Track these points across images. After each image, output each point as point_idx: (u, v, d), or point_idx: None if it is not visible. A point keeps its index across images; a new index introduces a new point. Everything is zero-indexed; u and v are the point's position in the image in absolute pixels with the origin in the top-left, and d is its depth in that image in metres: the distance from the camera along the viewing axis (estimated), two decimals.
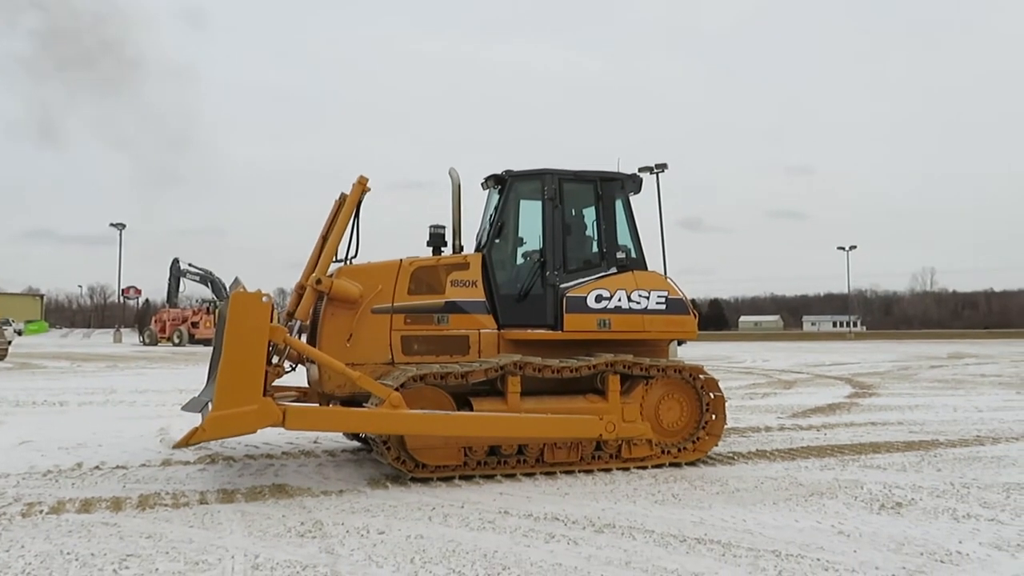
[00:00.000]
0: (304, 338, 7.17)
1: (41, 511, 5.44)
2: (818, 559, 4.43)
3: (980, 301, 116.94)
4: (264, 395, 6.05)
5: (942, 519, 5.32)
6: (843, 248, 72.23)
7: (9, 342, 28.34)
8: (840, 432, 9.49)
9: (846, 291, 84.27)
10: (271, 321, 6.20)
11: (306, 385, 7.57)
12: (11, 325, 50.39)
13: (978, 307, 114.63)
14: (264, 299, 6.06)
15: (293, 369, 7.15)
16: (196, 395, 7.53)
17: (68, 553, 4.47)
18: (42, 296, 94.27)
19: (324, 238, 7.38)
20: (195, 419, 7.47)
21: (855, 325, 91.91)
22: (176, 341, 43.73)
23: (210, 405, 6.02)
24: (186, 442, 5.82)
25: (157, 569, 4.20)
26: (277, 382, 6.89)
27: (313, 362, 6.95)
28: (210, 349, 8.04)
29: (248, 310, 5.99)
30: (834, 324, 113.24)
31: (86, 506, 5.59)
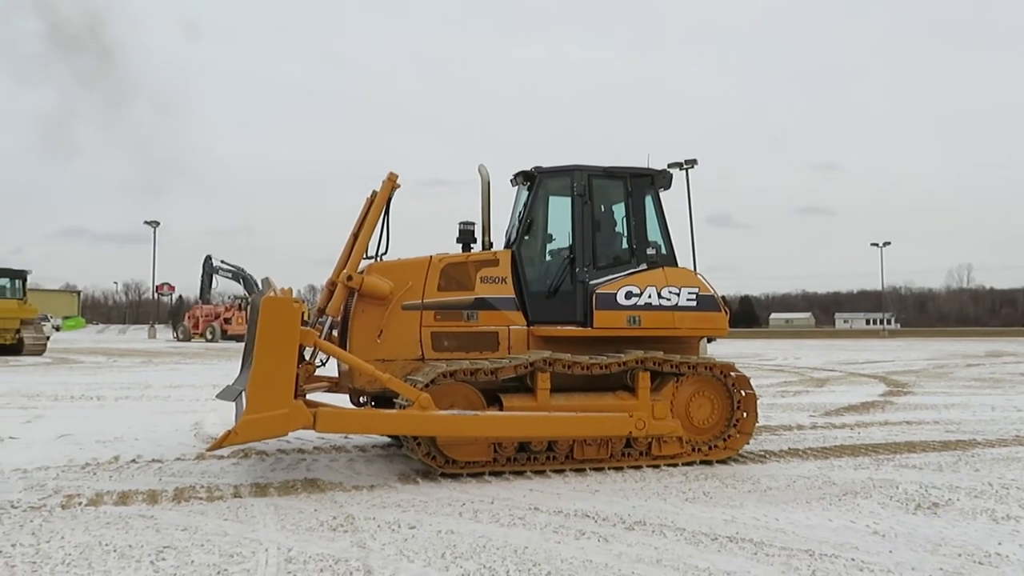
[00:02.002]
0: (335, 334, 7.23)
1: (80, 503, 5.55)
2: (852, 559, 4.37)
3: (1019, 298, 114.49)
4: (296, 396, 6.12)
5: (980, 520, 5.22)
6: (876, 244, 71.21)
7: (47, 338, 28.99)
8: (874, 431, 9.35)
9: (880, 288, 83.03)
10: (303, 319, 6.26)
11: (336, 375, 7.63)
12: (49, 321, 51.40)
13: (1017, 304, 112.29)
14: (295, 303, 6.13)
15: (323, 364, 7.22)
16: (230, 384, 7.62)
17: (106, 544, 4.56)
18: (79, 293, 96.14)
19: (355, 235, 7.43)
20: (229, 408, 7.58)
21: (889, 323, 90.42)
22: (209, 337, 44.33)
23: (244, 396, 6.11)
24: (219, 445, 5.92)
25: (193, 561, 4.27)
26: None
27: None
28: (243, 344, 8.15)
29: (279, 315, 6.05)
30: (867, 322, 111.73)
31: (123, 498, 5.70)
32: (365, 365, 6.46)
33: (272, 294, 6.31)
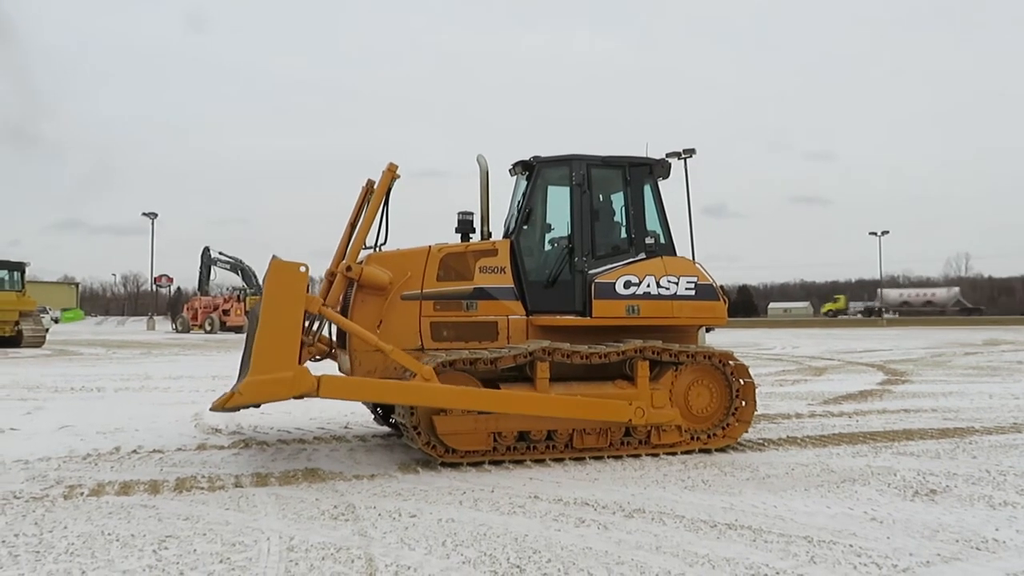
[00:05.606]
0: (333, 326, 7.25)
1: (82, 493, 5.58)
2: (850, 545, 4.40)
3: (1017, 287, 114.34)
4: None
5: (978, 506, 5.26)
6: (875, 233, 71.14)
7: (46, 330, 28.97)
8: (872, 419, 9.39)
9: (878, 277, 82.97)
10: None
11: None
12: (48, 313, 51.39)
13: (1015, 293, 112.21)
14: (302, 269, 6.21)
15: (319, 360, 7.24)
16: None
17: (109, 534, 4.58)
18: (77, 284, 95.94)
19: (352, 225, 7.44)
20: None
21: (887, 311, 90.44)
22: (208, 328, 44.41)
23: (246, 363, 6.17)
24: (222, 405, 5.97)
25: (195, 550, 4.30)
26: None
27: (344, 350, 7.03)
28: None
29: (286, 278, 6.16)
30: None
31: (125, 489, 5.72)
32: (368, 335, 6.52)
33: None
